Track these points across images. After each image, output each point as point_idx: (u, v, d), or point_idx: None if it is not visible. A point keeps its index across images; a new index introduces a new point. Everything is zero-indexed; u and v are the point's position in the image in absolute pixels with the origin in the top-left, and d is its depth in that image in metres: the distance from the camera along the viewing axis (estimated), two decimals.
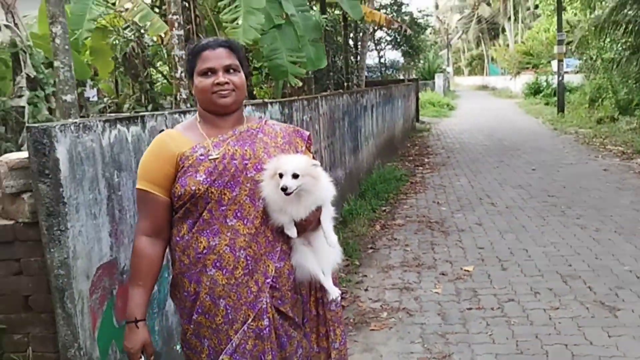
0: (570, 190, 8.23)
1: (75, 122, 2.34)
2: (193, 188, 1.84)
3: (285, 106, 4.90)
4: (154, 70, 10.24)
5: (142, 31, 8.34)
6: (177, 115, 3.09)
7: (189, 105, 5.54)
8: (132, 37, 8.21)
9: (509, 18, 51.18)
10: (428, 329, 3.95)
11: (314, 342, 2.09)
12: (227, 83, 1.90)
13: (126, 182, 2.63)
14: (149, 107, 8.25)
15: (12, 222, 2.42)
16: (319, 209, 1.95)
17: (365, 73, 18.31)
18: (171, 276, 2.01)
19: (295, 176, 1.83)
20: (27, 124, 5.79)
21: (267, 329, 1.91)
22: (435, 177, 9.94)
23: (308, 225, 1.95)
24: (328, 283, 2.01)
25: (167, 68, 11.29)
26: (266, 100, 4.80)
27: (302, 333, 2.04)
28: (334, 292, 2.02)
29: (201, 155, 1.88)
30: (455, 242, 6.02)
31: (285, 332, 1.97)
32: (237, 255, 1.87)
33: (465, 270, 5.11)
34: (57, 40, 3.95)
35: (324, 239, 1.96)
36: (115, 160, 2.55)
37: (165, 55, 10.20)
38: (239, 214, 1.87)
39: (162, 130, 2.89)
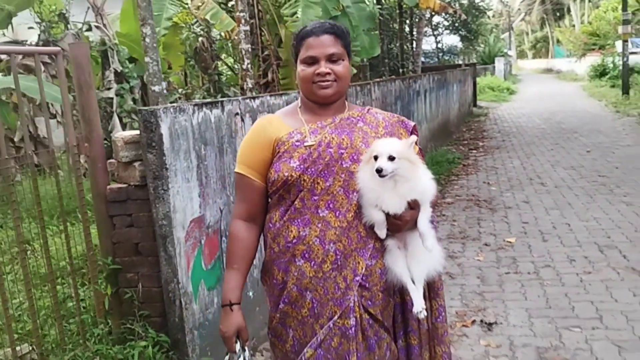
0: (621, 171, 8.37)
1: (174, 106, 2.99)
2: (286, 174, 1.79)
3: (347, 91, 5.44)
4: (221, 63, 11.00)
5: (210, 27, 9.06)
6: (248, 100, 3.71)
7: (254, 93, 6.18)
8: (202, 32, 8.94)
9: None
10: (467, 288, 4.43)
11: (419, 354, 1.95)
12: (328, 73, 1.81)
13: (210, 154, 3.27)
14: (218, 97, 9.00)
15: (125, 185, 3.10)
16: (416, 207, 1.79)
17: (422, 59, 18.53)
18: (263, 261, 2.00)
19: (391, 158, 1.71)
20: (115, 113, 6.62)
21: (353, 328, 1.80)
22: (488, 160, 10.23)
23: (403, 225, 1.79)
24: (415, 293, 1.81)
25: (231, 60, 12.08)
26: None
27: (391, 336, 1.93)
28: (418, 305, 1.79)
29: (297, 141, 1.82)
30: (501, 217, 6.41)
31: (374, 333, 1.86)
32: (327, 249, 1.79)
33: (507, 241, 5.52)
34: (147, 40, 4.67)
35: (419, 245, 1.80)
36: (202, 137, 3.19)
37: (231, 49, 10.98)
38: (331, 205, 1.79)
39: (237, 113, 3.53)
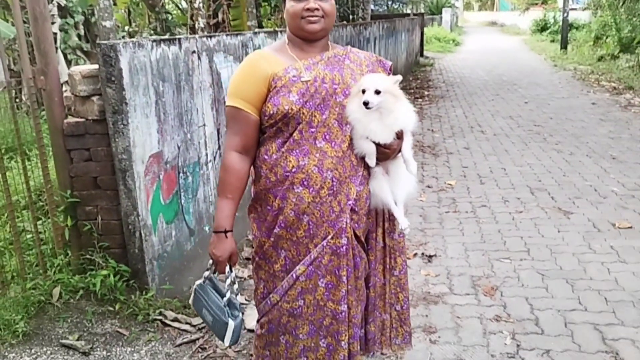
0: (555, 121, 8.88)
1: (133, 41, 3.01)
2: (286, 107, 1.89)
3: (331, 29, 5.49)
4: (168, 1, 10.66)
5: None
6: (204, 39, 3.74)
7: (206, 33, 6.12)
8: None
9: None
10: (410, 226, 4.72)
11: (381, 274, 2.20)
12: (317, 9, 1.91)
13: (168, 91, 3.32)
14: (167, 36, 8.78)
15: (83, 119, 3.13)
16: (400, 137, 1.97)
17: (372, 6, 18.46)
18: (253, 191, 2.11)
19: (377, 92, 1.87)
20: (59, 49, 6.40)
21: (344, 247, 1.99)
22: (433, 108, 10.55)
23: (390, 153, 1.98)
24: (399, 213, 2.07)
25: None
26: (276, 29, 5.38)
27: (367, 255, 2.15)
28: (403, 223, 2.07)
29: (294, 76, 1.91)
30: (443, 162, 6.75)
31: (358, 252, 2.07)
32: (324, 176, 1.93)
33: (448, 184, 5.86)
34: None
35: (402, 168, 2.02)
36: (160, 73, 3.23)
37: None
38: (327, 137, 1.93)
39: (194, 51, 3.57)
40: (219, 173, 2.05)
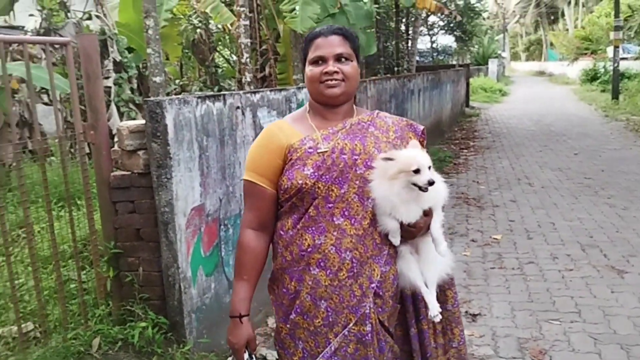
0: (607, 173, 8.58)
1: (179, 97, 3.12)
2: (300, 182, 1.76)
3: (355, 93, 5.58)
4: (217, 55, 11.09)
5: (209, 19, 9.15)
6: (248, 95, 3.84)
7: (252, 87, 6.30)
8: (200, 24, 9.04)
9: (569, 2, 49.70)
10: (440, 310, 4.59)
11: (431, 337, 2.00)
12: (336, 72, 1.80)
13: (212, 146, 3.40)
14: (215, 89, 9.09)
15: (129, 172, 3.23)
16: (429, 213, 1.80)
17: (417, 58, 18.68)
18: (272, 270, 1.96)
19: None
20: (113, 102, 6.71)
21: (369, 334, 1.80)
22: (479, 159, 10.41)
23: (417, 232, 1.81)
24: (429, 297, 1.85)
25: (228, 53, 12.17)
26: None
27: (393, 339, 1.96)
28: (433, 309, 1.83)
29: (310, 148, 1.79)
30: (489, 215, 6.59)
31: (383, 337, 1.88)
32: (343, 257, 1.77)
33: (493, 238, 5.70)
34: (150, 31, 4.78)
35: (432, 247, 1.83)
36: (204, 128, 3.32)
37: (228, 42, 11.07)
38: (346, 213, 1.77)
39: (238, 107, 3.66)
40: (235, 253, 1.93)
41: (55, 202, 4.47)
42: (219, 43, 10.95)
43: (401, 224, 1.78)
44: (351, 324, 1.80)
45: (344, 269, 1.78)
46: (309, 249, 1.79)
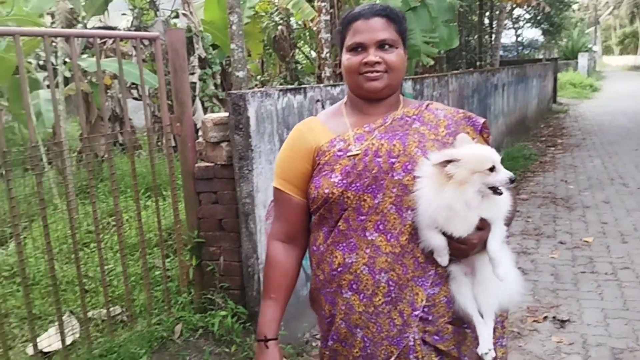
0: None
1: (261, 90, 3.14)
2: (326, 191, 1.51)
3: (417, 82, 5.46)
4: (298, 51, 11.20)
5: (290, 16, 9.25)
6: (328, 88, 3.82)
7: (331, 82, 6.29)
8: (281, 21, 9.15)
9: None
10: (540, 285, 4.36)
11: None
12: (378, 63, 1.51)
13: None
14: (295, 85, 9.18)
15: (212, 164, 3.29)
16: (485, 226, 1.46)
17: (501, 52, 18.00)
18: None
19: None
20: (197, 97, 6.91)
21: None
22: (567, 158, 9.87)
23: (469, 249, 1.47)
24: (482, 328, 1.49)
25: (308, 49, 12.26)
26: None
27: None
28: (483, 345, 1.48)
29: (339, 150, 1.53)
30: (579, 217, 6.21)
31: None
32: (377, 279, 1.50)
33: (584, 241, 5.36)
34: (234, 27, 4.88)
35: (489, 271, 1.47)
36: (285, 121, 3.33)
37: (308, 38, 11.15)
38: (381, 227, 1.49)
39: (318, 100, 3.64)
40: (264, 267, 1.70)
41: (143, 193, 4.66)
42: (299, 39, 11.05)
43: (450, 240, 1.45)
44: (393, 358, 1.51)
45: (380, 293, 1.50)
46: (339, 269, 1.53)
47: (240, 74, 4.86)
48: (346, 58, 1.56)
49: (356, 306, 1.52)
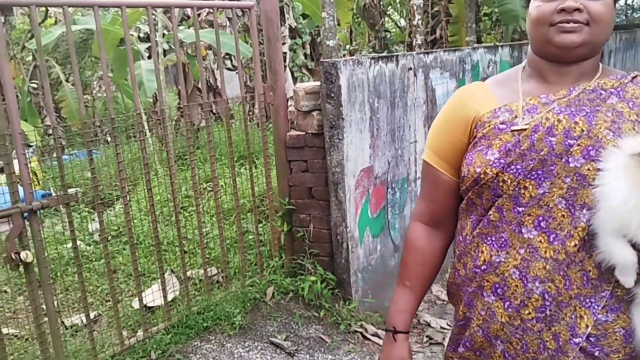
0: None
1: (353, 58, 3.12)
2: (478, 170, 1.25)
3: (514, 49, 5.20)
4: (387, 19, 10.99)
5: None
6: (421, 55, 3.73)
7: (423, 50, 6.13)
8: None
9: None
10: None
11: None
12: (578, 10, 1.17)
13: (382, 107, 3.37)
14: (385, 54, 9.05)
15: (303, 133, 3.34)
16: None
17: None
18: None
19: None
20: (288, 67, 6.98)
21: None
22: None
23: None
24: None
25: (397, 17, 12.01)
26: (496, 44, 5.15)
27: None
28: None
29: (502, 123, 1.25)
30: None
31: None
32: (529, 287, 1.23)
33: None
34: None
35: None
36: (376, 89, 3.30)
37: (398, 5, 10.90)
38: (543, 224, 1.21)
39: (410, 68, 3.57)
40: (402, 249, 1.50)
41: (237, 160, 4.82)
42: (389, 7, 10.83)
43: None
44: None
45: (530, 305, 1.24)
46: (483, 267, 1.29)
47: (331, 42, 4.85)
48: (536, 5, 1.23)
49: (499, 314, 1.28)
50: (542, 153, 1.19)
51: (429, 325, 3.35)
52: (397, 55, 3.47)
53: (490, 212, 1.27)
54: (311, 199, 3.38)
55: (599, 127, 1.18)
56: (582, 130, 1.18)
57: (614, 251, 1.13)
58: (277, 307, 3.22)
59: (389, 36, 10.80)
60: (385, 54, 9.17)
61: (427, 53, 3.79)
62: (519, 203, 1.22)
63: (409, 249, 1.45)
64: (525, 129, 1.21)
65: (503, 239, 1.26)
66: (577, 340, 1.21)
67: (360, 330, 3.13)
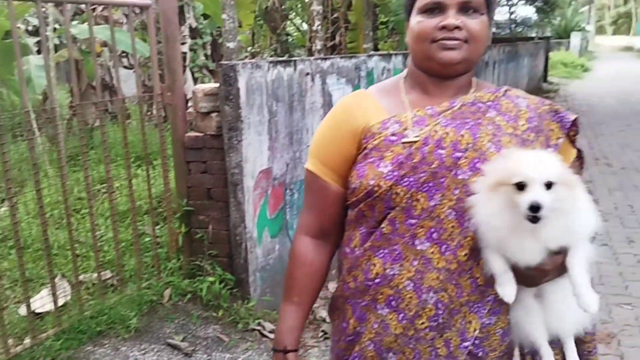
0: None
1: (251, 62, 3.18)
2: (371, 182, 1.24)
3: (407, 57, 5.50)
4: (289, 24, 11.14)
5: None
6: (318, 61, 3.86)
7: (322, 55, 6.30)
8: None
9: None
10: None
11: None
12: (458, 28, 1.22)
13: (281, 111, 3.45)
14: (286, 57, 9.16)
15: (202, 134, 3.34)
16: (563, 251, 1.17)
17: (493, 30, 17.98)
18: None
19: (548, 186, 1.10)
20: (188, 67, 6.88)
21: None
22: None
23: (540, 278, 1.20)
24: (571, 349, 1.28)
25: (299, 21, 12.19)
26: (390, 52, 5.42)
27: None
28: None
29: (393, 134, 1.26)
30: None
31: None
32: (424, 298, 1.25)
33: None
34: None
35: (565, 292, 1.20)
36: (274, 93, 3.38)
37: (300, 10, 11.08)
38: (435, 235, 1.23)
39: (308, 73, 3.69)
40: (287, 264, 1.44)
41: (132, 162, 4.70)
42: (291, 11, 10.99)
43: (516, 267, 1.18)
44: None
45: (424, 315, 1.26)
46: (376, 280, 1.27)
47: (231, 44, 4.88)
48: (417, 21, 1.25)
49: (392, 327, 1.27)
50: (433, 166, 1.22)
51: (324, 320, 3.47)
52: (295, 60, 3.58)
53: (383, 225, 1.26)
54: (210, 200, 3.39)
55: (482, 140, 1.23)
56: (468, 143, 1.22)
57: (489, 262, 1.20)
58: (174, 309, 3.20)
59: (290, 40, 10.96)
60: (285, 57, 9.29)
61: (324, 59, 3.93)
62: (411, 215, 1.23)
63: (297, 263, 1.39)
64: (416, 141, 1.23)
65: (397, 252, 1.25)
66: (466, 344, 1.26)
67: (258, 328, 3.19)
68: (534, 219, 1.08)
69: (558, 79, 21.37)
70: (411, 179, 1.22)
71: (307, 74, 3.70)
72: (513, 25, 25.99)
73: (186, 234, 3.42)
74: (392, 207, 1.24)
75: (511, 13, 25.80)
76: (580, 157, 1.37)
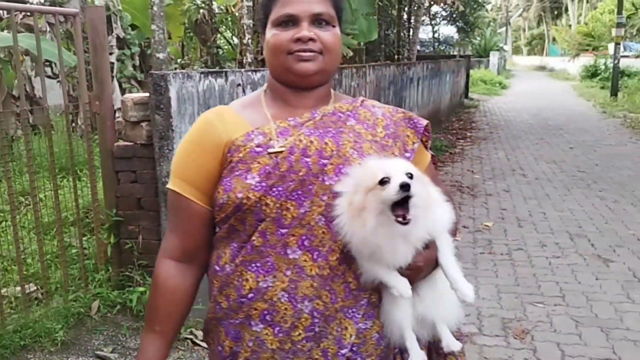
0: (600, 168, 8.70)
1: (183, 72, 3.21)
2: (240, 195, 1.22)
3: (335, 72, 5.68)
4: (219, 36, 11.13)
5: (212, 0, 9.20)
6: (250, 73, 3.93)
7: (253, 68, 6.37)
8: (203, 5, 9.08)
9: None
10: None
11: None
12: (312, 40, 1.26)
13: None
14: (217, 69, 9.16)
15: (132, 143, 3.32)
16: (431, 245, 1.22)
17: (418, 47, 18.70)
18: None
19: (410, 176, 1.15)
20: (115, 78, 6.76)
21: None
22: (475, 150, 10.52)
23: (416, 274, 1.23)
24: (414, 346, 1.27)
25: (229, 34, 12.21)
26: None
27: None
28: (451, 343, 1.29)
29: (258, 146, 1.25)
30: (481, 203, 6.71)
31: None
32: (299, 308, 1.23)
33: (484, 225, 5.83)
34: (155, 8, 4.85)
35: (439, 279, 1.26)
36: (206, 103, 3.41)
37: (230, 23, 11.11)
38: (306, 243, 1.23)
39: (239, 84, 3.75)
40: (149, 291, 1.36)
41: (59, 172, 4.56)
42: (222, 24, 10.99)
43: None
44: None
45: (300, 326, 1.23)
46: (249, 295, 1.23)
47: (161, 55, 4.86)
48: (272, 34, 1.27)
49: (268, 342, 1.24)
50: (300, 174, 1.22)
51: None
52: (226, 72, 3.63)
53: (254, 238, 1.23)
54: (140, 210, 3.37)
55: (345, 147, 1.26)
56: (332, 150, 1.25)
57: (368, 271, 1.21)
58: (103, 321, 3.15)
59: (221, 53, 10.94)
60: (216, 69, 9.29)
61: (255, 71, 4.00)
62: (282, 225, 1.22)
63: (160, 290, 1.32)
64: (282, 151, 1.23)
65: (269, 263, 1.22)
66: (343, 351, 1.25)
67: (190, 337, 3.19)
68: (404, 220, 1.12)
69: (478, 95, 22.49)
70: (280, 188, 1.22)
71: (238, 85, 3.76)
72: (436, 44, 27.16)
73: (115, 245, 3.37)
74: (262, 219, 1.22)
75: (434, 32, 26.98)
76: (434, 161, 1.44)
